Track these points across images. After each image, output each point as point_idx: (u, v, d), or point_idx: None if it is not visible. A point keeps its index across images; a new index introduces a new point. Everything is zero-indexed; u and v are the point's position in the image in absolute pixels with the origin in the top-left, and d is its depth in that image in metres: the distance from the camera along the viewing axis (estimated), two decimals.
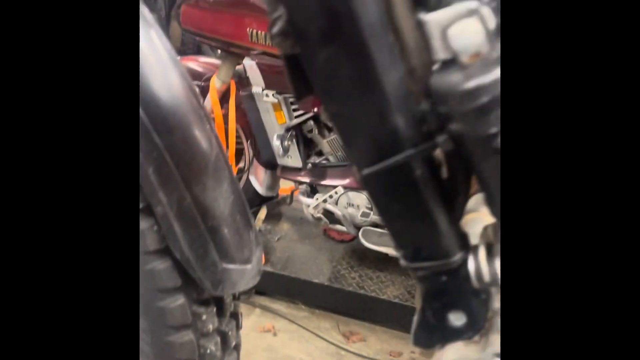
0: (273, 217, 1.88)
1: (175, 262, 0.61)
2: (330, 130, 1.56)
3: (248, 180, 1.69)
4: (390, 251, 1.58)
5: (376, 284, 1.60)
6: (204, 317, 0.64)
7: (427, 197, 0.43)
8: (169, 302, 0.61)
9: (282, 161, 1.58)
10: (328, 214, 1.61)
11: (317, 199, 1.58)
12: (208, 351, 0.65)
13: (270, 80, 1.43)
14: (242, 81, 1.52)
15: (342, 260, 1.70)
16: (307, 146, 1.59)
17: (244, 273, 0.63)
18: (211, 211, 0.60)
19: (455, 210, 0.45)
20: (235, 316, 0.70)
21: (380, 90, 0.40)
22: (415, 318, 0.51)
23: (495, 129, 0.38)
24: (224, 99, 1.50)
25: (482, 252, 0.45)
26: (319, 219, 1.62)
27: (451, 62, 0.38)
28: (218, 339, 0.67)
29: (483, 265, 0.44)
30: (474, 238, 0.47)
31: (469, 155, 0.41)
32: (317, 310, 1.68)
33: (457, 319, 0.48)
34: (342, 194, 1.56)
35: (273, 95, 1.45)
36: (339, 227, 1.64)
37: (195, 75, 1.56)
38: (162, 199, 0.56)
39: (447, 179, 0.44)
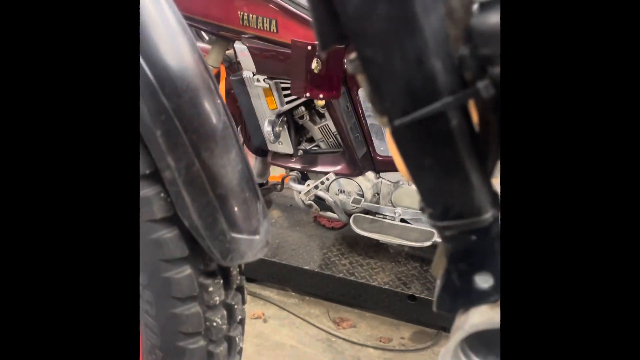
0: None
1: (182, 231, 0.60)
2: (321, 116, 1.55)
3: None
4: (381, 238, 1.58)
5: (366, 271, 1.60)
6: (211, 289, 0.63)
7: (461, 149, 0.41)
8: (176, 273, 0.60)
9: (272, 147, 1.57)
10: (319, 200, 1.61)
11: (308, 185, 1.57)
12: (214, 324, 0.64)
13: (262, 65, 1.41)
14: (233, 66, 1.50)
15: (333, 247, 1.70)
16: (298, 132, 1.58)
17: (252, 244, 0.62)
18: (219, 179, 0.59)
19: (488, 166, 0.45)
20: (240, 290, 0.69)
21: (419, 33, 0.38)
22: (439, 282, 0.50)
23: None
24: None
25: None
26: (310, 205, 1.62)
27: (492, 2, 0.37)
28: (224, 312, 0.66)
29: None
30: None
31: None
32: (307, 297, 1.67)
33: (484, 281, 0.47)
34: (334, 180, 1.56)
35: (264, 80, 1.44)
36: (329, 214, 1.64)
37: None
38: (170, 163, 0.55)
39: (480, 132, 0.44)
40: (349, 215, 1.58)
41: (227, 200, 0.59)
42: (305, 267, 1.60)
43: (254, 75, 1.44)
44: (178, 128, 0.55)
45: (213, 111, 0.59)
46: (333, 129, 1.52)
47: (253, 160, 1.67)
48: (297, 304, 1.65)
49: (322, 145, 1.58)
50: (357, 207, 1.57)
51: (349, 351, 1.51)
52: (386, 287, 1.54)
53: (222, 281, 0.65)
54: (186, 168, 0.56)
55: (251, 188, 0.63)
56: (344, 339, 1.54)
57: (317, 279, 1.60)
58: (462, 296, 0.48)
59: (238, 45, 1.40)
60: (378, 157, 1.52)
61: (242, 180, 0.61)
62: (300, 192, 1.59)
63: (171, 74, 0.56)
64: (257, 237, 0.63)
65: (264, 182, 1.75)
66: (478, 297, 0.48)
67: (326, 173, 1.55)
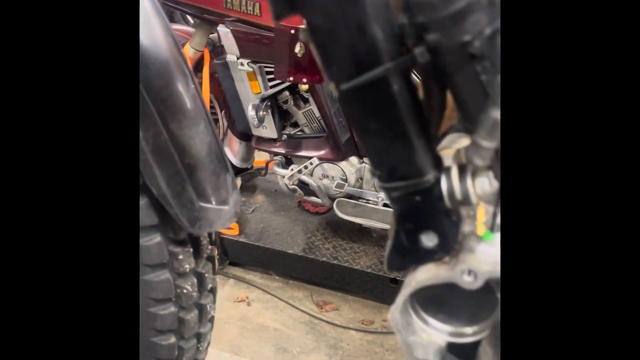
0: (248, 189, 1.89)
1: (152, 200, 0.61)
2: (305, 101, 1.57)
3: None
4: (364, 222, 1.60)
5: (349, 255, 1.62)
6: (181, 256, 0.65)
7: (403, 113, 0.44)
8: (146, 240, 0.62)
9: (256, 132, 1.58)
10: (303, 185, 1.63)
11: (292, 169, 1.59)
12: (184, 291, 0.66)
13: (246, 49, 1.42)
14: (216, 50, 1.51)
15: (317, 231, 1.72)
16: (282, 117, 1.59)
17: (221, 213, 0.64)
18: (187, 149, 0.60)
19: (430, 130, 0.47)
20: (211, 259, 0.71)
21: (361, 2, 0.41)
22: (389, 242, 0.52)
23: (469, 36, 0.39)
24: (197, 68, 1.49)
25: (454, 171, 0.46)
26: (294, 190, 1.63)
27: None
28: (195, 280, 0.67)
29: (455, 184, 0.46)
30: (448, 161, 0.49)
31: (444, 68, 0.42)
32: (290, 280, 1.69)
33: (429, 240, 0.49)
34: (317, 165, 1.57)
35: (248, 64, 1.45)
36: (313, 198, 1.65)
37: None
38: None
39: (422, 98, 0.46)
40: (332, 199, 1.60)
41: (195, 171, 0.61)
42: (289, 251, 1.62)
43: (237, 59, 1.45)
44: (145, 98, 0.56)
45: (182, 84, 0.61)
46: (317, 113, 1.54)
47: (237, 145, 1.68)
48: (280, 288, 1.68)
49: (306, 130, 1.60)
50: (340, 192, 1.59)
51: (331, 333, 1.54)
52: (369, 270, 1.56)
53: (192, 250, 0.66)
54: (154, 137, 0.57)
55: (220, 160, 0.65)
56: (326, 322, 1.56)
57: (300, 263, 1.62)
58: (410, 255, 0.51)
59: (222, 28, 1.41)
60: None
61: (210, 152, 0.63)
62: (284, 177, 1.60)
63: (141, 45, 0.57)
64: (225, 207, 0.64)
65: (249, 166, 1.77)
66: (424, 256, 0.50)
67: (310, 158, 1.56)
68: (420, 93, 0.46)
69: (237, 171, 1.75)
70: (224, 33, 1.41)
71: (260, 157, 1.81)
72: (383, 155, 0.47)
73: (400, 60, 0.42)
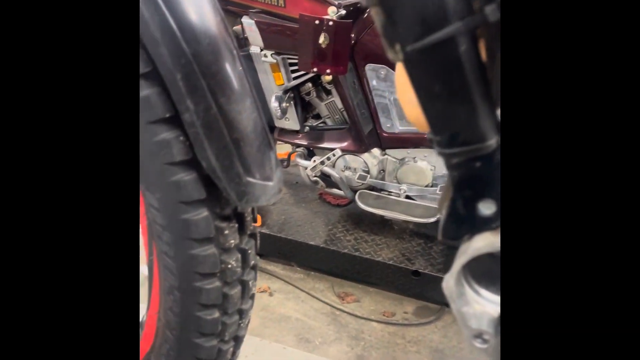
0: None
1: (200, 174, 0.62)
2: (328, 93, 1.58)
3: None
4: (386, 214, 1.61)
5: (371, 247, 1.63)
6: (226, 232, 0.65)
7: (469, 76, 0.44)
8: (194, 215, 0.63)
9: (279, 124, 1.59)
10: (324, 177, 1.63)
11: (315, 161, 1.60)
12: (229, 266, 0.67)
13: (269, 40, 1.43)
14: (240, 41, 1.52)
15: (338, 223, 1.72)
16: (305, 109, 1.60)
17: (266, 189, 0.64)
18: (235, 124, 0.61)
19: (493, 94, 0.47)
20: (254, 236, 0.72)
21: None
22: (444, 211, 0.52)
23: None
24: None
25: None
26: (316, 182, 1.64)
27: None
28: (239, 256, 0.68)
29: None
30: None
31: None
32: (312, 272, 1.70)
33: (487, 207, 0.49)
34: (340, 156, 1.58)
35: (272, 55, 1.46)
36: (335, 190, 1.66)
37: None
38: (189, 106, 0.58)
39: (486, 61, 0.46)
40: (354, 191, 1.61)
41: (242, 146, 0.62)
42: (311, 243, 1.62)
43: (261, 50, 1.46)
44: (197, 72, 0.57)
45: (230, 60, 0.62)
46: (339, 105, 1.54)
47: None
48: (302, 279, 1.68)
49: (329, 121, 1.60)
50: (362, 184, 1.60)
51: (352, 325, 1.54)
52: (390, 262, 1.57)
53: (236, 225, 0.67)
54: (204, 111, 0.58)
55: (265, 137, 0.66)
56: (348, 313, 1.57)
57: (322, 255, 1.62)
58: (466, 224, 0.51)
59: (246, 19, 1.42)
60: (384, 134, 1.54)
61: (256, 128, 0.64)
62: (306, 168, 1.61)
63: (191, 21, 0.58)
64: (270, 183, 0.65)
65: None
66: (481, 224, 0.50)
67: (332, 149, 1.57)
68: (484, 55, 0.46)
69: None
70: (248, 24, 1.42)
71: (281, 150, 1.82)
72: (445, 120, 0.47)
73: (470, 20, 0.42)
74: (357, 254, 1.59)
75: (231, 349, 0.75)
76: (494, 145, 0.47)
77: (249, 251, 0.70)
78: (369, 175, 1.58)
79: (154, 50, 0.56)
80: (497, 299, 0.56)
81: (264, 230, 1.66)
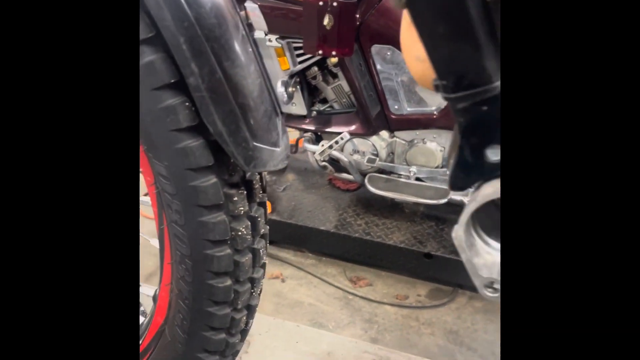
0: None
1: (207, 141, 0.62)
2: (334, 76, 1.57)
3: None
4: (397, 196, 1.60)
5: (382, 230, 1.62)
6: (235, 198, 0.66)
7: (473, 15, 0.44)
8: (202, 182, 0.63)
9: (286, 109, 1.58)
10: (333, 162, 1.63)
11: (323, 145, 1.59)
12: (239, 233, 0.67)
13: (274, 24, 1.43)
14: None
15: (348, 208, 1.72)
16: (312, 93, 1.60)
17: (273, 154, 0.64)
18: (240, 89, 0.61)
19: (497, 35, 0.47)
20: (263, 205, 0.72)
21: None
22: (452, 162, 0.52)
23: None
24: None
25: None
26: (325, 167, 1.64)
27: None
28: (248, 223, 0.68)
29: None
30: None
31: None
32: (324, 257, 1.70)
33: (494, 154, 0.49)
34: (348, 140, 1.58)
35: (276, 40, 1.46)
36: (344, 175, 1.66)
37: None
38: (194, 69, 0.58)
39: (490, 1, 0.46)
40: (363, 175, 1.60)
41: (248, 110, 0.62)
42: (322, 228, 1.62)
43: (265, 35, 1.46)
44: (200, 36, 0.58)
45: (233, 26, 0.62)
46: (346, 88, 1.54)
47: None
48: (314, 265, 1.68)
49: (336, 105, 1.60)
50: (371, 167, 1.59)
51: (366, 308, 1.54)
52: (402, 245, 1.56)
53: (245, 192, 0.67)
54: (209, 74, 0.58)
55: (270, 103, 0.66)
56: (361, 297, 1.57)
57: (333, 240, 1.62)
58: (474, 172, 0.51)
59: (249, 4, 1.42)
60: (392, 116, 1.53)
61: (262, 93, 0.64)
62: (314, 153, 1.61)
63: None
64: (277, 149, 0.65)
65: None
66: (489, 171, 0.50)
67: (340, 133, 1.56)
68: None
69: None
70: (252, 9, 1.42)
71: (290, 136, 1.82)
72: (451, 62, 0.47)
73: None
74: (368, 238, 1.59)
75: (244, 318, 0.75)
76: (499, 87, 0.46)
77: (259, 219, 0.70)
78: (377, 159, 1.58)
79: (157, 14, 0.56)
80: None
81: (274, 217, 1.66)
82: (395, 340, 1.44)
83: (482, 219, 0.57)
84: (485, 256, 0.55)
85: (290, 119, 1.61)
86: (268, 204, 1.69)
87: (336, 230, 1.62)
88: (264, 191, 0.72)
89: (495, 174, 0.51)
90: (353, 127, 1.56)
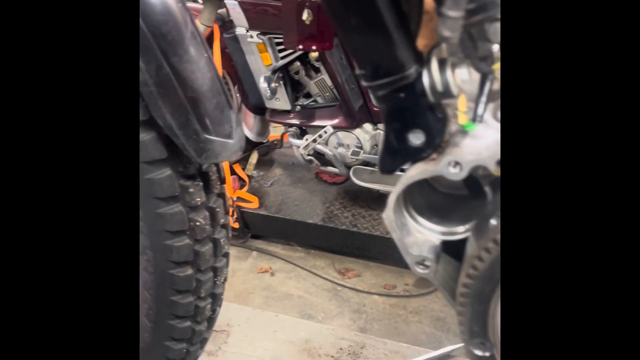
0: (265, 163, 1.92)
1: (160, 134, 0.65)
2: (317, 70, 1.59)
3: None
4: (382, 188, 1.61)
5: (369, 222, 1.64)
6: (191, 190, 0.68)
7: (381, 6, 0.46)
8: (157, 174, 0.65)
9: (270, 104, 1.61)
10: (319, 155, 1.65)
11: (307, 139, 1.61)
12: (197, 224, 0.69)
13: (254, 20, 1.45)
14: (226, 25, 1.54)
15: (335, 201, 1.74)
16: (295, 88, 1.61)
17: (226, 146, 0.66)
18: (189, 83, 0.63)
19: (409, 24, 0.48)
20: (222, 196, 0.74)
21: None
22: (380, 146, 0.54)
23: None
24: (208, 44, 1.52)
25: (434, 64, 0.48)
26: (310, 161, 1.66)
27: None
28: (207, 214, 0.71)
29: (436, 76, 0.48)
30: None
31: None
32: (312, 250, 1.72)
33: (416, 138, 0.51)
34: (332, 133, 1.59)
35: (257, 35, 1.48)
36: (330, 168, 1.67)
37: None
38: (141, 65, 0.60)
39: None
40: (348, 167, 1.62)
41: (198, 104, 0.64)
42: (309, 221, 1.64)
43: (247, 31, 1.48)
44: (147, 33, 0.60)
45: (182, 23, 0.64)
46: (329, 82, 1.55)
47: (252, 119, 1.71)
48: (302, 258, 1.71)
49: (319, 99, 1.61)
50: (356, 159, 1.60)
51: (354, 299, 1.56)
52: (389, 236, 1.55)
53: (202, 184, 0.69)
54: (156, 70, 0.60)
55: (222, 95, 0.68)
56: (349, 288, 1.58)
57: (321, 232, 1.64)
58: (399, 155, 0.53)
59: (229, 1, 1.44)
60: (375, 108, 1.54)
61: (213, 87, 0.66)
62: (299, 147, 1.63)
63: None
64: (230, 141, 0.67)
65: (265, 140, 1.80)
66: (413, 154, 0.52)
67: (324, 127, 1.58)
68: None
69: (253, 145, 1.78)
70: (232, 6, 1.44)
71: (277, 132, 1.84)
72: (366, 52, 0.49)
73: None
74: (355, 229, 1.60)
75: (209, 306, 0.77)
76: (414, 74, 0.48)
77: (218, 210, 0.72)
78: (362, 151, 1.59)
79: None
80: (437, 228, 0.58)
81: (262, 212, 1.69)
82: (383, 329, 1.46)
83: (415, 200, 0.59)
84: (416, 235, 0.57)
85: (275, 114, 1.63)
86: (255, 199, 1.71)
87: (323, 223, 1.64)
88: (223, 182, 0.74)
89: (419, 158, 0.53)
90: (336, 121, 1.57)
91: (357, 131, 1.58)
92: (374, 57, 0.48)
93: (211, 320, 0.81)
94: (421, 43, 0.49)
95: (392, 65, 0.48)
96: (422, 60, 0.49)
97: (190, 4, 1.62)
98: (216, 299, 0.79)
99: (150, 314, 0.74)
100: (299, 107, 1.61)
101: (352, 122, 1.56)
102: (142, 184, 0.66)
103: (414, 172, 0.53)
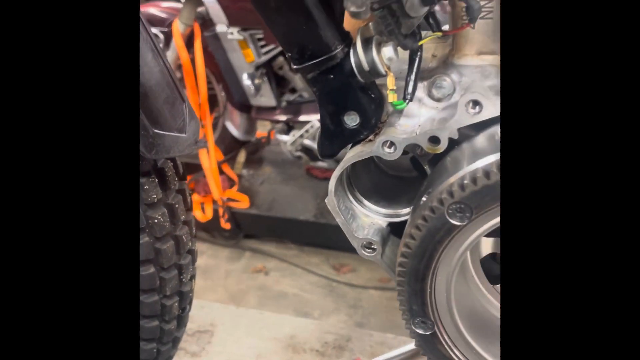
0: (254, 161, 1.90)
1: None
2: None
3: (224, 127, 1.71)
4: None
5: None
6: (146, 187, 0.66)
7: None
8: None
9: (255, 101, 1.59)
10: (307, 150, 1.63)
11: (294, 135, 1.60)
12: (156, 221, 0.68)
13: (233, 16, 1.44)
14: (206, 23, 1.53)
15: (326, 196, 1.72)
16: (280, 84, 1.60)
17: (178, 140, 0.65)
18: None
19: (334, 6, 0.47)
20: (182, 192, 0.72)
21: None
22: (318, 132, 0.53)
23: None
24: (189, 43, 1.51)
25: (359, 43, 0.47)
26: (299, 157, 1.64)
27: None
28: (165, 211, 0.69)
29: (361, 55, 0.46)
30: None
31: None
32: (306, 247, 1.70)
33: (351, 120, 0.50)
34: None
35: (238, 32, 1.47)
36: (320, 163, 1.66)
37: (157, 21, 1.57)
38: None
39: None
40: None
41: (145, 98, 0.62)
42: (301, 218, 1.62)
43: (227, 28, 1.47)
44: None
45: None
46: None
47: (238, 118, 1.70)
48: (297, 255, 1.69)
49: (305, 94, 1.60)
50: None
51: (350, 294, 1.54)
52: None
53: (157, 180, 0.68)
54: None
55: (173, 89, 0.66)
56: (345, 283, 1.57)
57: (314, 229, 1.62)
58: (337, 139, 0.52)
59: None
60: None
61: (161, 81, 0.64)
62: (287, 143, 1.61)
63: None
64: (183, 135, 0.66)
65: (252, 139, 1.78)
66: (350, 136, 0.51)
67: (311, 122, 1.57)
68: None
69: (241, 144, 1.77)
70: (210, 3, 1.43)
71: (263, 128, 1.82)
72: (289, 35, 0.48)
73: None
74: None
75: (176, 304, 0.76)
76: (340, 54, 0.47)
77: (177, 206, 0.71)
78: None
79: None
80: (383, 210, 0.56)
81: (253, 211, 1.67)
82: (380, 323, 1.44)
83: (362, 184, 0.58)
84: (362, 218, 0.56)
85: (261, 111, 1.62)
86: (245, 199, 1.70)
87: (316, 219, 1.62)
88: (182, 178, 0.73)
89: (357, 140, 0.52)
90: None
91: None
92: (298, 39, 0.47)
93: (181, 319, 0.79)
94: (348, 23, 0.48)
95: (317, 46, 0.47)
96: (349, 41, 0.48)
97: (170, 4, 1.62)
98: (184, 297, 0.77)
99: None
100: (284, 102, 1.60)
101: None
102: None
103: (351, 154, 0.52)
